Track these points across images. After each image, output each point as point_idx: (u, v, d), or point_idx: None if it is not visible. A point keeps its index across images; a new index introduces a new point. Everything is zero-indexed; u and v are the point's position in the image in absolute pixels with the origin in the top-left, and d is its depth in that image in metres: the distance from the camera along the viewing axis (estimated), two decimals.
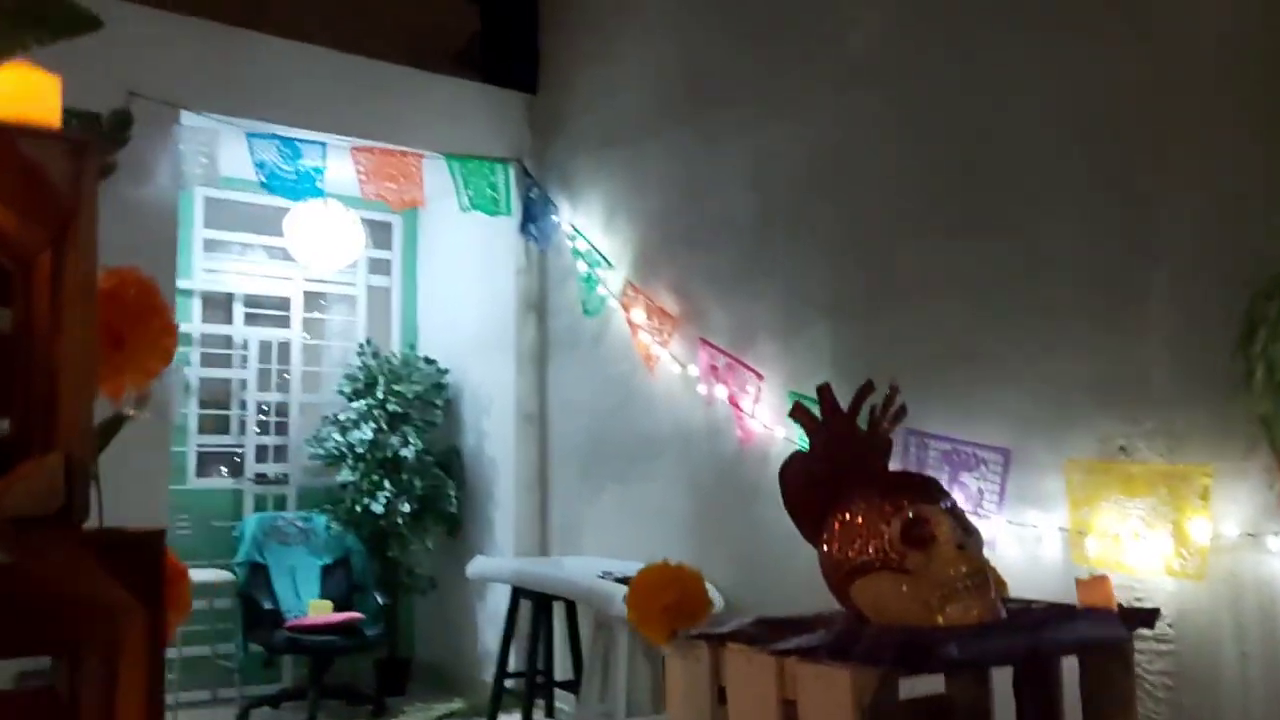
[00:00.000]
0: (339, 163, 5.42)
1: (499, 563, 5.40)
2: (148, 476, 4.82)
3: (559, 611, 5.26)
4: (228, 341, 6.37)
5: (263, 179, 5.19)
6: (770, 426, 4.36)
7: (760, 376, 4.43)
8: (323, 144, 5.33)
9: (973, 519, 3.43)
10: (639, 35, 5.49)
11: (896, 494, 2.29)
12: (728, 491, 4.62)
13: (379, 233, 6.95)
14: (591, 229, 5.62)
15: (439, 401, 6.28)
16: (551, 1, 6.22)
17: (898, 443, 3.79)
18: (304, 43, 5.43)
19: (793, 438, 4.22)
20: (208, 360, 6.28)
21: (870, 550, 2.24)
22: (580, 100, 5.88)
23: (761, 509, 4.33)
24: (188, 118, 5.01)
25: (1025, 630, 2.25)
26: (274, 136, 5.23)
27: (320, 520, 6.04)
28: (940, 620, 2.14)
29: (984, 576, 2.21)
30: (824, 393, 2.50)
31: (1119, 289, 3.31)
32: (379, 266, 6.95)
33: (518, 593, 5.12)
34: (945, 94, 3.90)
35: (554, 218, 5.88)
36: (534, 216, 5.95)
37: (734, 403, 4.49)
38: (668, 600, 2.37)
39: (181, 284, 6.07)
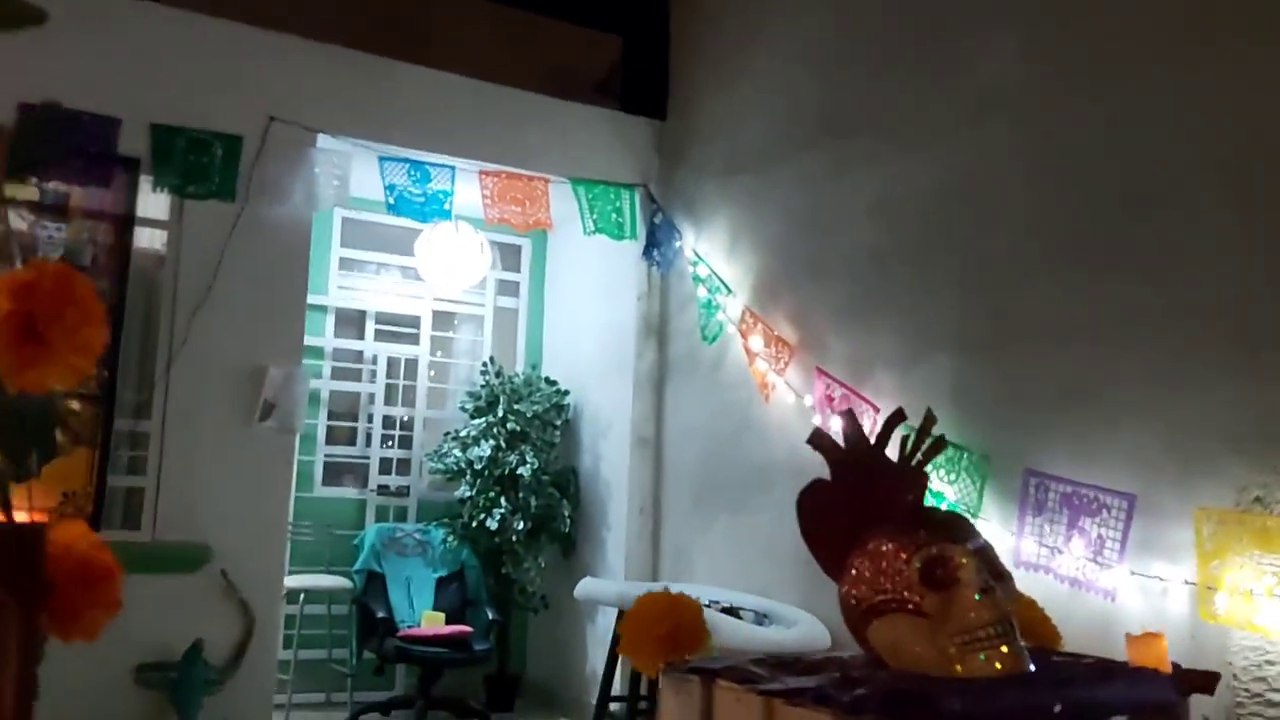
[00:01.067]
0: (468, 185, 5.55)
1: (606, 585, 5.41)
2: (271, 484, 5.01)
3: None
4: (358, 356, 6.57)
5: (390, 201, 5.34)
6: None
7: (876, 409, 4.33)
8: (452, 168, 5.47)
9: (1092, 568, 3.31)
10: (769, 63, 5.48)
11: (919, 531, 2.14)
12: None
13: (509, 255, 7.09)
14: (713, 255, 5.61)
15: (558, 422, 6.34)
16: (684, 29, 6.26)
17: (1016, 482, 3.68)
18: (438, 70, 5.59)
19: None
20: (338, 374, 6.49)
21: (888, 590, 2.10)
22: (708, 127, 5.89)
23: None
24: (323, 140, 5.20)
25: (1049, 688, 2.06)
26: (405, 160, 5.39)
27: (438, 533, 6.16)
28: (959, 670, 1.99)
29: (1009, 625, 2.05)
30: (847, 419, 2.40)
31: (1260, 331, 3.13)
32: (507, 288, 7.08)
33: (623, 616, 5.11)
34: (1079, 125, 3.76)
35: (677, 243, 5.89)
36: (657, 242, 5.98)
37: None
38: (661, 631, 2.26)
39: (317, 300, 6.32)
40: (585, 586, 5.31)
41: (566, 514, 6.17)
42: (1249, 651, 2.96)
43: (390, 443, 6.61)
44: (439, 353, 6.92)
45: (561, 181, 5.77)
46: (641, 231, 6.00)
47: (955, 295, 4.18)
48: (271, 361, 4.99)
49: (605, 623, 5.84)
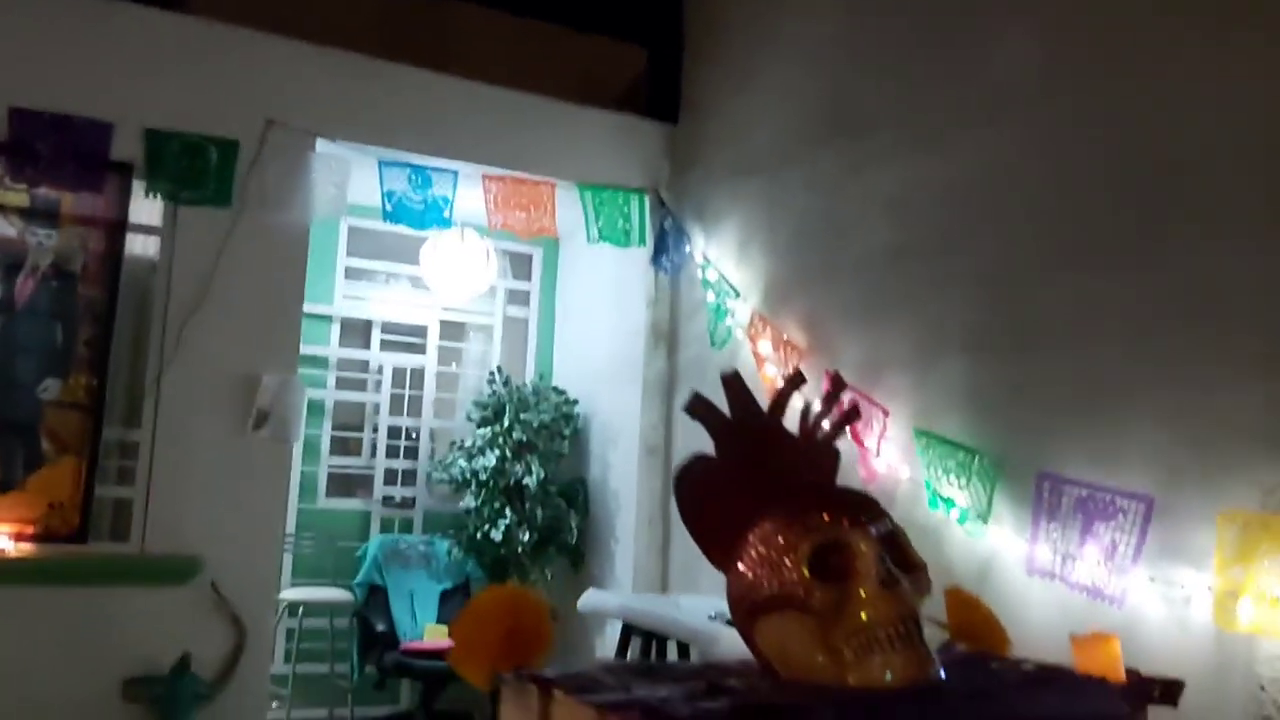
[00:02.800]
0: (473, 192, 5.42)
1: (609, 597, 5.23)
2: (265, 494, 4.88)
3: (673, 651, 5.04)
4: (364, 366, 6.46)
5: (388, 208, 5.21)
6: (895, 465, 4.06)
7: (886, 412, 4.14)
8: (454, 172, 5.34)
9: (1104, 574, 3.10)
10: (782, 64, 5.31)
11: (812, 512, 1.82)
12: None
13: (519, 264, 6.95)
14: (724, 260, 5.45)
15: (565, 432, 6.19)
16: (697, 32, 6.12)
17: (1030, 486, 3.47)
18: (441, 74, 5.46)
19: (918, 478, 3.93)
20: (343, 384, 6.37)
21: (775, 583, 1.78)
22: (720, 129, 5.73)
23: None
24: (322, 146, 5.09)
25: (958, 702, 1.74)
26: (406, 165, 5.26)
27: (442, 545, 6.02)
28: (851, 680, 1.69)
29: (914, 625, 1.74)
30: (730, 383, 2.01)
31: None
32: (517, 297, 6.94)
33: (629, 629, 4.94)
34: (1100, 118, 3.56)
35: (686, 248, 5.73)
36: (666, 247, 5.82)
37: (858, 440, 4.22)
38: (496, 634, 1.85)
39: (321, 309, 6.22)
40: (589, 599, 5.14)
41: (574, 525, 6.01)
42: (1278, 661, 2.76)
43: (396, 453, 6.48)
44: (453, 364, 6.79)
45: (568, 186, 5.63)
46: (650, 238, 5.85)
47: (970, 295, 3.99)
48: (267, 370, 4.87)
49: (616, 636, 5.66)
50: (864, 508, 1.88)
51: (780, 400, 2.02)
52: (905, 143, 4.38)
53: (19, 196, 4.56)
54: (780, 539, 1.80)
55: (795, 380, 2.05)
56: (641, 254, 5.88)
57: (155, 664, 4.48)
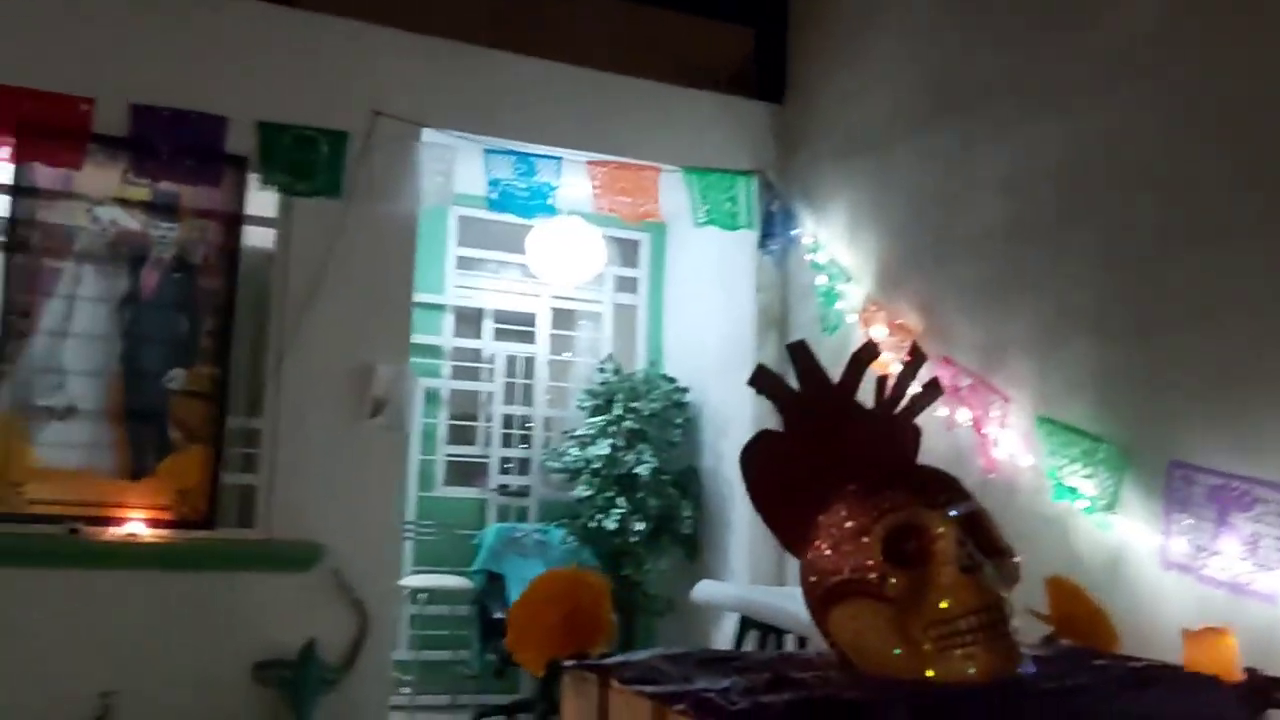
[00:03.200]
0: (578, 178, 5.40)
1: (724, 588, 5.17)
2: (383, 482, 4.95)
3: (791, 645, 4.94)
4: (477, 355, 6.51)
5: (493, 196, 5.22)
6: (1016, 455, 3.89)
7: (1007, 399, 3.97)
8: (558, 159, 5.32)
9: (1248, 568, 2.90)
10: (889, 38, 5.16)
11: (887, 492, 1.69)
12: None
13: (628, 251, 6.92)
14: (834, 242, 5.32)
15: (678, 420, 6.13)
16: (803, 9, 5.98)
17: (1160, 475, 3.28)
18: (547, 60, 5.45)
19: (1041, 467, 3.76)
20: (458, 373, 6.44)
21: (847, 568, 1.65)
22: (826, 108, 5.60)
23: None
24: (428, 135, 5.13)
25: (1045, 699, 1.59)
26: (510, 152, 5.27)
27: (557, 534, 6.04)
28: (930, 673, 1.57)
29: (998, 614, 1.62)
30: (797, 353, 1.89)
31: None
32: (626, 284, 6.91)
33: (746, 622, 4.86)
34: (1227, 78, 3.34)
35: (795, 231, 5.61)
36: (774, 230, 5.72)
37: (978, 427, 4.06)
38: (554, 618, 1.77)
39: (435, 299, 6.29)
40: (703, 589, 5.09)
41: (687, 515, 5.95)
42: None
43: (510, 442, 6.52)
44: (566, 353, 6.80)
45: (674, 170, 5.56)
46: (758, 221, 5.74)
47: (1095, 273, 3.80)
48: (380, 359, 4.94)
49: (731, 628, 5.60)
50: (944, 487, 1.76)
51: (853, 373, 1.90)
52: (1019, 114, 4.20)
53: (141, 191, 4.71)
54: (853, 521, 1.69)
55: (868, 352, 1.94)
56: (749, 238, 5.78)
57: (283, 648, 4.59)
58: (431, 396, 6.30)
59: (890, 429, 1.89)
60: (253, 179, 4.86)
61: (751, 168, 5.76)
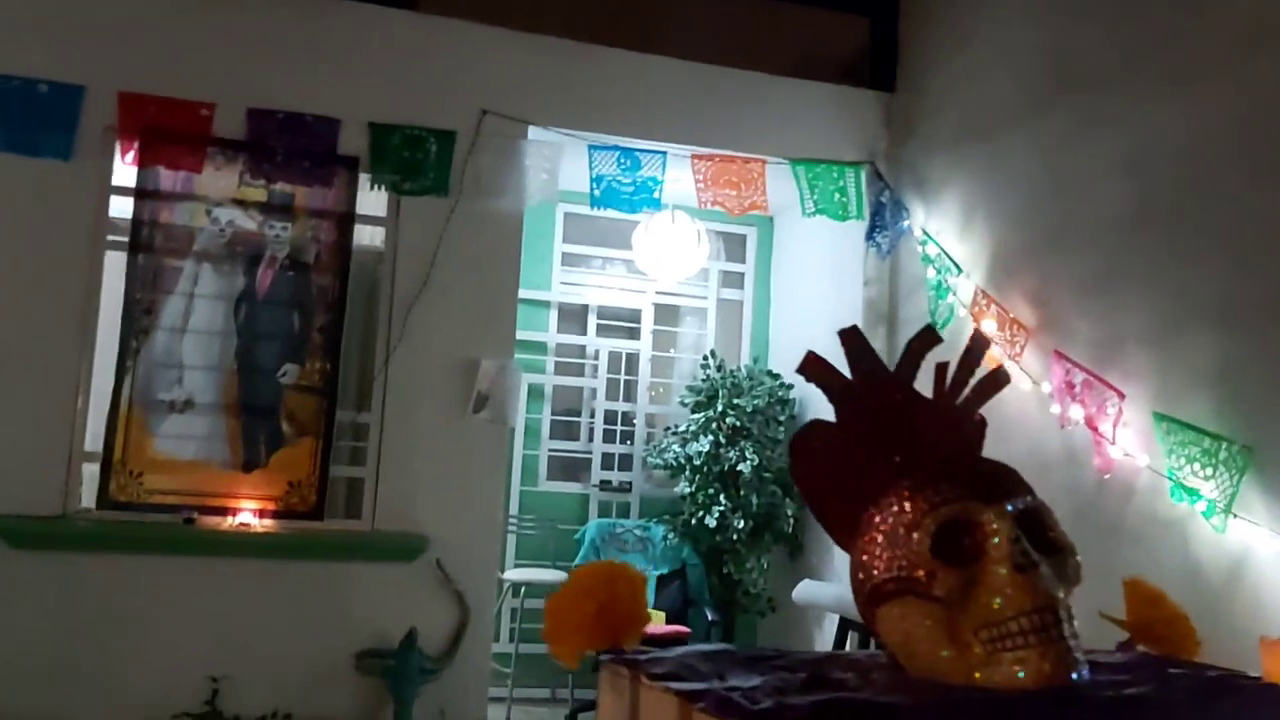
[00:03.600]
0: (683, 172, 5.37)
1: (824, 589, 5.06)
2: (486, 476, 5.00)
3: None
4: (581, 351, 6.54)
5: (596, 193, 5.22)
6: (1133, 454, 3.71)
7: (1122, 395, 3.80)
8: (663, 154, 5.30)
9: None
10: (1001, 20, 4.98)
11: (939, 485, 1.59)
12: (1085, 530, 3.94)
13: (733, 245, 6.86)
14: (945, 233, 5.17)
15: (781, 417, 6.05)
16: None
17: None
18: (650, 54, 5.43)
19: (1159, 467, 3.58)
20: (561, 369, 6.47)
21: (896, 565, 1.55)
22: (939, 95, 5.44)
23: (1126, 553, 3.71)
24: (534, 133, 5.16)
25: (1100, 709, 1.46)
26: (614, 148, 5.26)
27: (658, 530, 6.02)
28: (978, 677, 1.48)
29: (1052, 616, 1.50)
30: (849, 339, 1.80)
31: None
32: (732, 279, 6.85)
33: (845, 623, 4.76)
34: None
35: (905, 223, 5.47)
36: (883, 222, 5.58)
37: (1091, 425, 3.89)
38: (590, 608, 1.70)
39: (540, 295, 6.34)
40: (804, 590, 5.00)
41: (790, 513, 5.86)
42: None
43: (612, 438, 6.53)
44: (670, 349, 6.78)
45: (780, 163, 5.49)
46: (867, 212, 5.62)
47: (1220, 261, 3.59)
48: (484, 354, 4.99)
49: (833, 629, 5.50)
50: (1001, 480, 1.66)
51: (910, 361, 1.81)
52: (1140, 95, 4.00)
53: (258, 192, 4.85)
54: (903, 515, 1.61)
55: (927, 338, 1.83)
56: (857, 232, 5.67)
57: (385, 638, 4.68)
58: (536, 392, 6.34)
59: (951, 420, 1.79)
60: (363, 179, 4.95)
61: (861, 158, 5.65)
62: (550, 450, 6.40)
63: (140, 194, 4.71)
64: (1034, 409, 4.36)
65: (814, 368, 1.82)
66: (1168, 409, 3.60)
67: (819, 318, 6.11)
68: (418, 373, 4.92)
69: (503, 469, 5.16)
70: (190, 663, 4.47)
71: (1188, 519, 3.44)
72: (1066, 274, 4.33)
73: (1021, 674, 1.47)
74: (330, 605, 4.71)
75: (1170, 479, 3.50)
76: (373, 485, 4.88)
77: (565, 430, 6.49)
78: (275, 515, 4.72)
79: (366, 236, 5.13)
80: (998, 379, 1.86)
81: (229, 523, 4.65)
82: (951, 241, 5.09)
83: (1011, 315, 4.53)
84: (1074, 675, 1.50)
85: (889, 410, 1.76)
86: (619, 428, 6.56)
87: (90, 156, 4.61)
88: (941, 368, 1.82)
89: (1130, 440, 3.74)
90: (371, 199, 5.03)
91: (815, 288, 6.24)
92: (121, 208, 4.73)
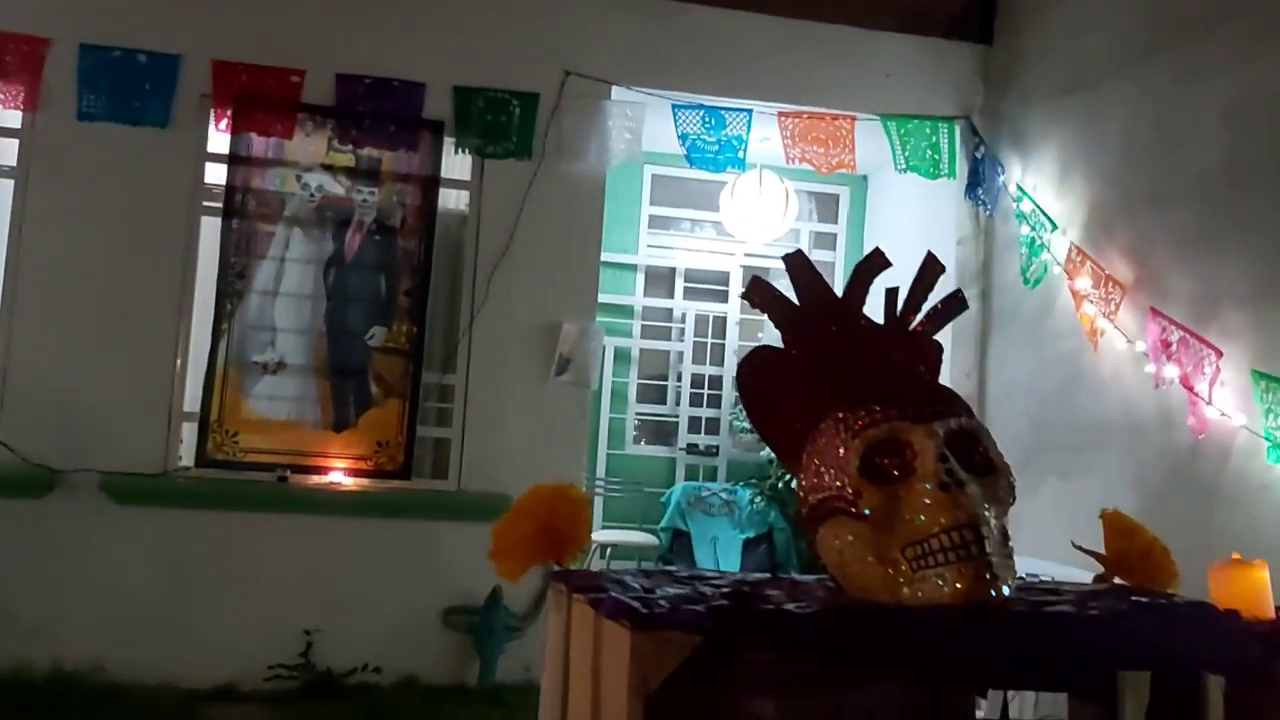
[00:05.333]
0: (769, 131, 5.28)
1: None
2: (568, 438, 5.03)
3: None
4: (668, 315, 6.52)
5: (686, 151, 5.18)
6: (1229, 414, 3.54)
7: (1219, 353, 3.62)
8: (748, 111, 5.22)
9: None
10: None
11: (872, 406, 1.58)
12: (1180, 492, 3.84)
13: (825, 206, 6.74)
14: (1041, 189, 4.99)
15: None
16: None
17: None
18: (732, 10, 5.34)
19: (1255, 428, 3.40)
20: (648, 332, 6.46)
21: (829, 484, 1.56)
22: (1038, 46, 5.24)
23: (1222, 515, 3.55)
24: (617, 93, 5.13)
25: (1013, 625, 1.45)
26: (699, 106, 5.20)
27: (744, 494, 5.99)
28: (907, 594, 1.48)
29: (974, 534, 1.47)
30: (794, 263, 1.80)
31: None
32: (824, 240, 6.74)
33: None
34: None
35: (1000, 179, 5.30)
36: (980, 179, 5.42)
37: (1187, 384, 3.72)
38: (528, 531, 1.72)
39: (627, 259, 6.33)
40: None
41: None
42: None
43: (699, 402, 6.50)
44: (756, 311, 6.70)
45: (871, 119, 5.35)
46: (962, 169, 5.46)
47: None
48: (566, 317, 5.01)
49: None
50: (934, 400, 1.64)
51: (857, 287, 1.82)
52: (1247, 42, 3.79)
53: (346, 157, 4.94)
54: (837, 436, 1.61)
55: (875, 261, 1.82)
56: (952, 191, 5.51)
57: (471, 595, 4.75)
58: (622, 356, 6.35)
59: (904, 346, 1.77)
60: (448, 143, 5.00)
61: (955, 113, 5.49)
62: (637, 414, 6.41)
63: (234, 160, 4.84)
64: (1128, 369, 4.20)
65: (759, 293, 1.82)
66: (1268, 367, 3.42)
67: (910, 277, 5.97)
68: (501, 336, 4.96)
69: (584, 431, 5.19)
70: (284, 616, 4.61)
71: None
72: (1164, 230, 4.14)
73: (946, 590, 1.47)
74: (418, 563, 4.80)
75: (1268, 439, 3.33)
76: (458, 446, 4.95)
77: (653, 394, 6.48)
78: (365, 474, 4.83)
79: (452, 200, 5.18)
80: (954, 302, 1.85)
81: (321, 481, 4.77)
82: (1048, 198, 4.92)
83: (1107, 272, 4.36)
84: (992, 592, 1.49)
85: (834, 336, 1.76)
86: (706, 391, 6.53)
87: (186, 124, 4.75)
88: (892, 293, 1.82)
89: (1227, 400, 3.57)
90: (456, 163, 5.07)
91: (907, 247, 5.95)
92: (216, 175, 4.87)
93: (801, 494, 1.67)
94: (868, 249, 6.54)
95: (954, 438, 1.58)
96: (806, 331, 1.77)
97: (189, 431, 4.77)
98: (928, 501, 1.50)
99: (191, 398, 4.78)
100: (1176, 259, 4.02)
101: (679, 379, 6.48)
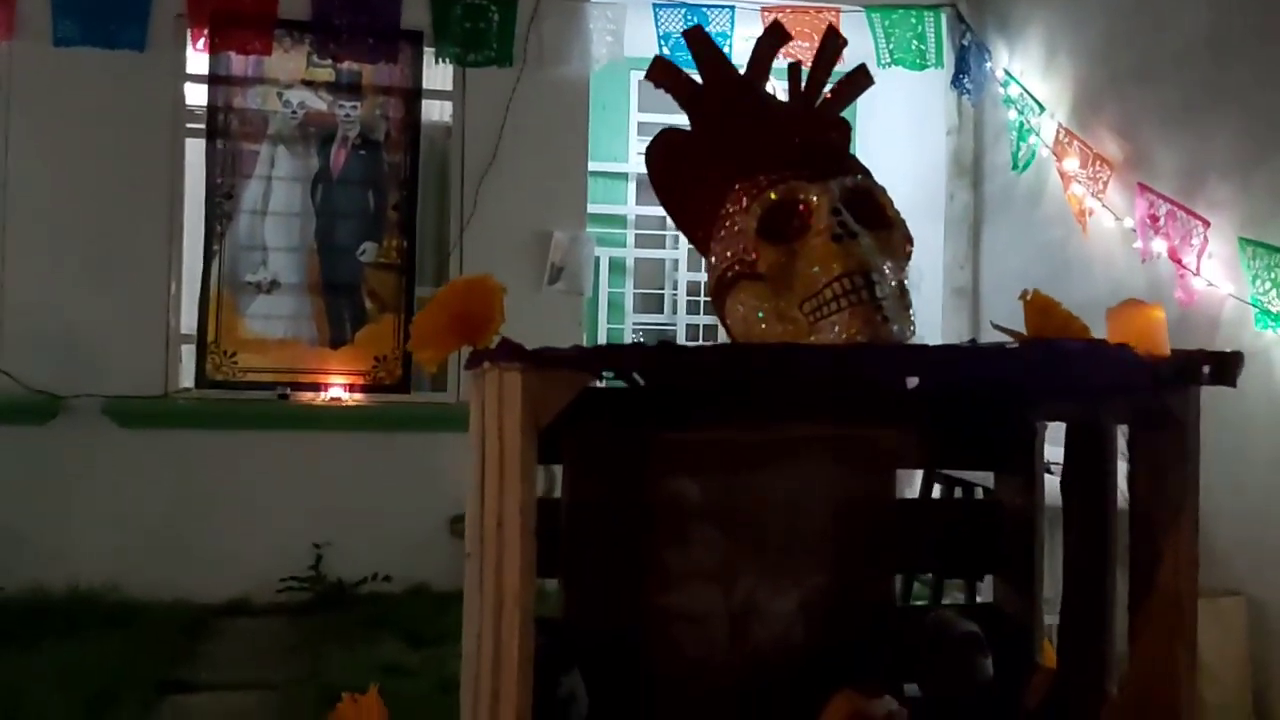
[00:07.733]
0: (753, 29, 5.21)
1: None
2: (565, 345, 5.05)
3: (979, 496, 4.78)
4: (662, 223, 6.50)
5: (665, 51, 5.11)
6: (1216, 284, 3.54)
7: (1207, 224, 3.61)
8: (730, 8, 5.15)
9: None
10: None
11: (766, 171, 1.61)
12: None
13: None
14: (1028, 73, 4.93)
15: None
16: None
17: None
18: None
19: (1243, 296, 3.41)
20: (642, 242, 6.45)
21: (732, 256, 1.60)
22: None
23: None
24: None
25: (894, 357, 1.50)
26: (680, 4, 5.13)
27: None
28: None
29: (864, 280, 1.51)
30: (694, 40, 1.79)
31: None
32: None
33: (930, 475, 4.72)
34: None
35: (988, 66, 5.23)
36: (967, 67, 5.35)
37: (1175, 258, 3.72)
38: (442, 320, 1.76)
39: (616, 168, 6.30)
40: None
41: None
42: None
43: (696, 309, 6.52)
44: None
45: (855, 10, 5.27)
46: (949, 59, 5.39)
47: None
48: (557, 226, 5.01)
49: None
50: (826, 158, 1.68)
51: (759, 61, 1.79)
52: None
53: (326, 72, 4.91)
54: (738, 204, 1.65)
55: (775, 34, 1.80)
56: (940, 81, 5.46)
57: None
58: (617, 266, 6.35)
59: (809, 122, 1.77)
60: (428, 53, 4.95)
61: (941, 2, 5.39)
62: (635, 325, 6.43)
63: (214, 80, 4.81)
64: (1117, 248, 4.20)
65: (662, 72, 1.82)
66: (1255, 235, 3.41)
67: (902, 170, 5.88)
68: (492, 246, 4.96)
69: (580, 338, 5.21)
70: (293, 531, 4.69)
71: (1273, 347, 3.29)
72: (1151, 105, 4.10)
73: (849, 331, 1.50)
74: (422, 474, 4.86)
75: (1255, 306, 3.34)
76: (455, 357, 4.96)
77: (650, 304, 6.50)
78: (364, 389, 4.88)
79: (435, 112, 5.15)
80: (859, 79, 1.83)
81: (321, 398, 4.82)
82: (1035, 82, 4.86)
83: (1095, 151, 4.33)
84: (891, 334, 1.52)
85: (738, 111, 1.75)
86: (703, 299, 6.54)
87: (163, 46, 4.72)
88: (795, 68, 1.80)
89: (1215, 271, 3.56)
90: (438, 73, 5.03)
91: (897, 140, 6.05)
92: (197, 96, 4.84)
93: (709, 272, 1.70)
94: (857, 143, 6.51)
95: (849, 194, 1.62)
96: (710, 109, 1.78)
97: (187, 354, 4.81)
98: (821, 254, 1.54)
99: (188, 320, 4.81)
100: (1163, 134, 3.99)
101: (675, 287, 6.49)
